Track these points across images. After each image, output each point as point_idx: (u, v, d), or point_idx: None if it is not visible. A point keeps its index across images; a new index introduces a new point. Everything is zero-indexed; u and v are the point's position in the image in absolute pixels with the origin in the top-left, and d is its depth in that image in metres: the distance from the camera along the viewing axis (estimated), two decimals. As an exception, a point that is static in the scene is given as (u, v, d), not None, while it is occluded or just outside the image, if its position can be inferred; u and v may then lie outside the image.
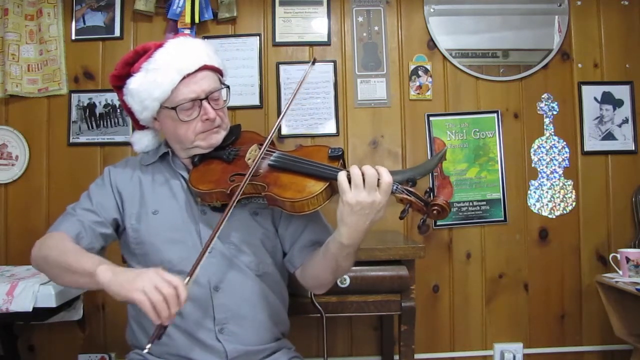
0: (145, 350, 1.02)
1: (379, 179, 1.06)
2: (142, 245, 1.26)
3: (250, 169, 1.18)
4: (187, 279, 1.04)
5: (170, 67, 1.22)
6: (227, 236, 1.26)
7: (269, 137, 1.25)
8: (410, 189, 1.11)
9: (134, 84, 1.25)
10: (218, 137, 1.28)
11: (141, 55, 1.27)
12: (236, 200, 1.14)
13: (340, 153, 1.20)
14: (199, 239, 1.25)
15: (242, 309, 1.25)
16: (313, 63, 1.40)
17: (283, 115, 1.34)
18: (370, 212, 1.07)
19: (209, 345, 1.22)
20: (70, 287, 1.17)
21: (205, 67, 1.26)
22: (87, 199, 1.31)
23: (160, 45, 1.27)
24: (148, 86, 1.23)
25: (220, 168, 1.26)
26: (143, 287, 0.98)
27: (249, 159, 1.25)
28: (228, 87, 1.31)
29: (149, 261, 1.23)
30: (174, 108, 1.23)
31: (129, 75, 1.27)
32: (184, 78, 1.22)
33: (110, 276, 1.04)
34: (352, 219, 1.08)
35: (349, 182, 1.07)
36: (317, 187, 1.13)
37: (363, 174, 1.06)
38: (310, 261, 1.27)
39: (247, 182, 1.16)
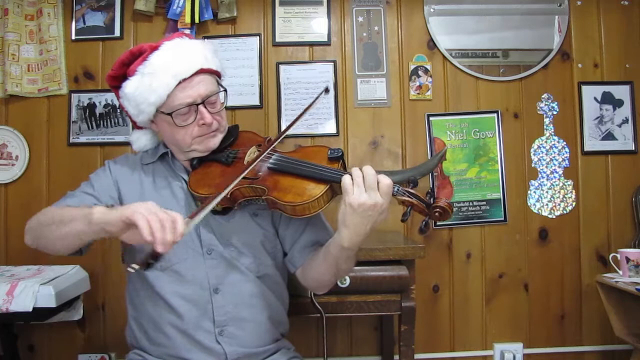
0: (131, 270, 0.97)
1: (378, 182, 1.06)
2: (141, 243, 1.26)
3: (245, 169, 1.16)
4: (187, 218, 1.02)
5: (165, 72, 1.19)
6: (228, 238, 1.25)
7: (271, 146, 1.23)
8: (412, 191, 1.11)
9: (130, 88, 1.22)
10: (215, 141, 1.27)
11: (137, 56, 1.24)
12: (231, 189, 1.13)
13: (340, 154, 1.19)
14: (199, 242, 1.25)
15: (242, 310, 1.25)
16: (326, 92, 1.37)
17: (286, 130, 1.31)
18: (373, 215, 1.07)
19: (209, 347, 1.22)
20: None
21: (201, 71, 1.23)
22: (88, 184, 1.30)
23: (155, 48, 1.23)
24: (143, 91, 1.21)
25: (220, 171, 1.25)
26: (140, 209, 0.97)
27: (248, 161, 1.22)
28: (225, 90, 1.29)
29: None
30: (169, 114, 1.21)
31: (125, 75, 1.25)
32: (179, 83, 1.20)
33: (106, 209, 1.05)
34: (354, 220, 1.07)
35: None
36: (318, 190, 1.12)
37: (363, 174, 1.06)
38: (311, 262, 1.27)
39: (240, 179, 1.14)
